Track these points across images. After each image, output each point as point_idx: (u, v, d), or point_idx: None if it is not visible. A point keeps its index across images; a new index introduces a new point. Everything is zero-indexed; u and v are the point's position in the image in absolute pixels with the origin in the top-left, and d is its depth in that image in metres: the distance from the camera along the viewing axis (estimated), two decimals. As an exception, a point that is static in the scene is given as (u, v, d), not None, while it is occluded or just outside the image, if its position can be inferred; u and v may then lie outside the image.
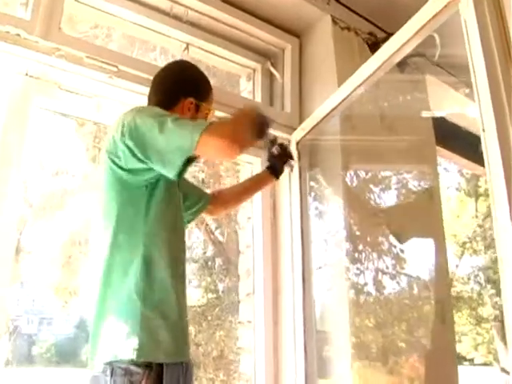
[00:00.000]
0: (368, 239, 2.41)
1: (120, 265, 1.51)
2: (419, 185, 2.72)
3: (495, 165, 1.36)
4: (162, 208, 1.57)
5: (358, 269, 2.38)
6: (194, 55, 2.56)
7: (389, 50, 1.98)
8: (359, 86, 2.16)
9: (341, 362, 2.30)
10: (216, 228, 8.67)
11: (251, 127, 1.56)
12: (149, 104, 1.78)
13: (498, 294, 9.73)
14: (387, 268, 2.46)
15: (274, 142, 2.08)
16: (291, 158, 2.16)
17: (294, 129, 2.51)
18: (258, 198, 2.51)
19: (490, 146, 1.38)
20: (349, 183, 2.51)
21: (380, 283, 2.43)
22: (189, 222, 2.01)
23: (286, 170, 2.21)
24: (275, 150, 2.08)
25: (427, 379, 2.36)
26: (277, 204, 2.53)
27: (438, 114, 3.10)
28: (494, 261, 9.56)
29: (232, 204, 2.23)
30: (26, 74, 1.95)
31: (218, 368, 7.12)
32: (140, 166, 1.50)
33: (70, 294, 9.35)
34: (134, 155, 1.48)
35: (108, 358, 1.44)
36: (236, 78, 3.08)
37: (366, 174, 2.62)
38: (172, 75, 1.83)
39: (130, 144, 1.48)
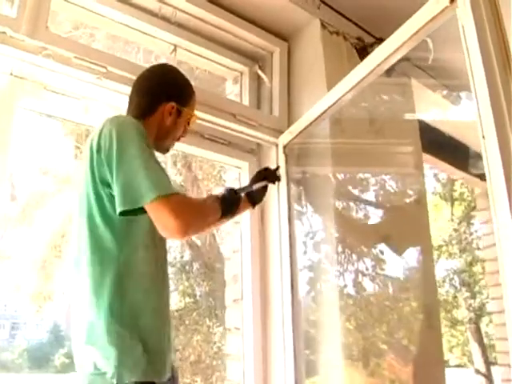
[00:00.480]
0: (359, 245, 2.40)
1: (93, 283, 1.45)
2: (407, 190, 2.72)
3: (496, 171, 1.35)
4: (133, 224, 1.50)
5: (339, 272, 2.37)
6: (180, 57, 2.53)
7: (381, 55, 1.96)
8: (350, 90, 2.14)
9: (330, 364, 2.29)
10: (193, 231, 8.63)
11: (212, 219, 1.66)
12: (130, 106, 1.76)
13: (473, 296, 9.89)
14: (374, 271, 2.45)
15: (260, 175, 2.16)
16: (277, 179, 2.25)
17: (282, 132, 2.49)
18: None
19: (491, 153, 1.37)
20: (337, 188, 2.50)
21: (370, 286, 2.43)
22: None
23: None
24: (257, 185, 2.09)
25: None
26: (265, 208, 2.51)
27: (422, 118, 3.11)
28: (469, 264, 9.71)
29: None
30: (11, 74, 1.89)
31: (195, 373, 7.09)
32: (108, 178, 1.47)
33: (45, 298, 9.21)
34: (105, 168, 1.46)
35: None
36: (218, 81, 3.04)
37: (354, 179, 2.61)
38: (155, 77, 1.81)
39: (104, 159, 1.46)
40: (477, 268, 9.88)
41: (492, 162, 1.37)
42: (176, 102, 1.73)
